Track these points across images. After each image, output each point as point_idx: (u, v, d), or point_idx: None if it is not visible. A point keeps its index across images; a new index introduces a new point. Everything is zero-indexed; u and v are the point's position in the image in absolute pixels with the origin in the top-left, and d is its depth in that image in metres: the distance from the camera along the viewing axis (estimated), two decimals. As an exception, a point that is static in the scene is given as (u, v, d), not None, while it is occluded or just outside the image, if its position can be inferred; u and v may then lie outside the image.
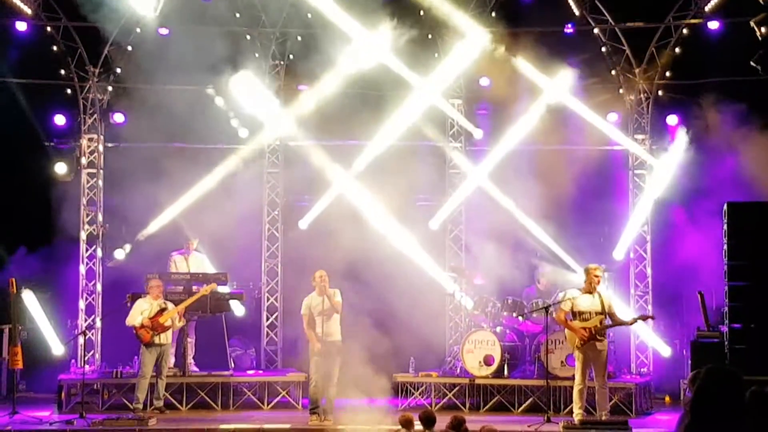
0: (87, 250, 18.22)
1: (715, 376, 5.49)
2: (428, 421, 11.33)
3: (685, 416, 5.52)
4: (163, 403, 15.79)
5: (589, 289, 14.28)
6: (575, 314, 14.26)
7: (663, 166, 17.97)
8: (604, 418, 14.16)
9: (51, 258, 17.68)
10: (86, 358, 17.28)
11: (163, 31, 17.64)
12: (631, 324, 15.05)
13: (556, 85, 17.70)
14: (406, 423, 11.35)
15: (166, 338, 15.72)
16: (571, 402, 14.62)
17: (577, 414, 14.18)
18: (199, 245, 17.54)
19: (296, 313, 15.34)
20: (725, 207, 14.96)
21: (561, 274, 17.51)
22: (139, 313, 15.62)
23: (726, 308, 15.06)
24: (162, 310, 15.64)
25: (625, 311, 17.24)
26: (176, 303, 15.97)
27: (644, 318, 15.31)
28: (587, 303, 14.25)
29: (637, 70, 18.09)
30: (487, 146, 18.69)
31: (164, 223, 17.97)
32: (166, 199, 17.92)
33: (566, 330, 14.48)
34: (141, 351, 15.63)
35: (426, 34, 18.49)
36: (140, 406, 15.41)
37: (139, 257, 17.57)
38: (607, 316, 14.29)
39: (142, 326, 15.51)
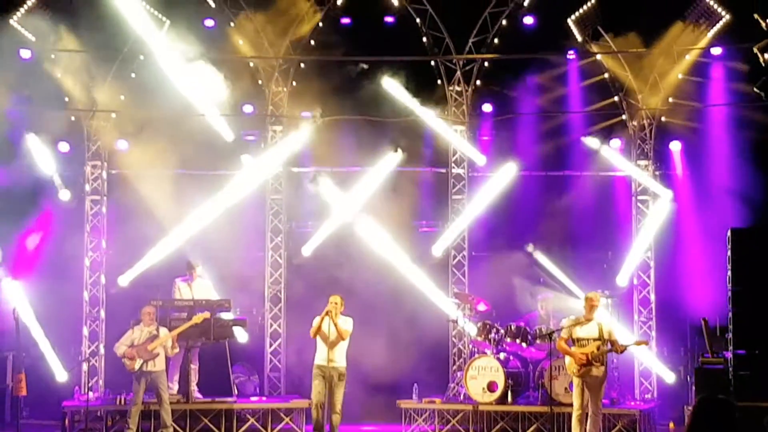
0: (90, 276, 18.23)
1: (707, 406, 5.49)
2: None
3: None
4: (171, 431, 15.69)
5: (588, 317, 14.26)
6: (574, 341, 14.23)
7: (666, 192, 18.01)
8: None
9: (55, 284, 17.66)
10: (90, 384, 17.26)
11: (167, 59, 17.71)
12: (622, 351, 14.84)
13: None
14: None
15: (154, 365, 15.43)
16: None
17: (577, 441, 14.14)
18: (203, 271, 17.52)
19: (299, 340, 15.35)
20: (729, 233, 14.95)
21: (563, 300, 17.50)
22: (129, 341, 15.45)
23: (730, 334, 15.02)
24: (153, 337, 15.56)
25: (626, 337, 17.26)
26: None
27: (638, 343, 15.18)
28: (585, 330, 14.22)
29: (640, 96, 18.13)
30: (491, 172, 18.73)
31: (169, 249, 18.03)
32: (169, 226, 17.97)
33: (566, 357, 14.45)
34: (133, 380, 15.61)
35: (429, 61, 18.58)
36: None
37: (143, 284, 17.57)
38: (608, 344, 14.23)
39: (124, 356, 15.43)
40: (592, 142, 18.29)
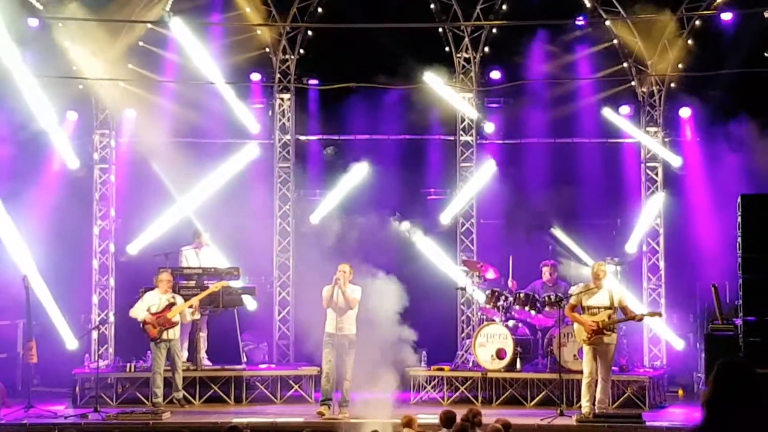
0: (100, 244, 18.26)
1: (727, 370, 5.47)
2: (448, 421, 11.51)
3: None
4: (182, 395, 15.77)
5: (595, 285, 14.29)
6: (584, 309, 14.28)
7: (675, 158, 17.97)
8: (597, 410, 14.10)
9: (64, 253, 17.71)
10: (100, 352, 17.33)
11: (173, 26, 17.66)
12: (639, 320, 14.95)
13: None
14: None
15: (174, 333, 15.60)
16: (587, 395, 14.60)
17: (585, 407, 14.18)
18: (209, 239, 17.53)
19: (307, 307, 15.39)
20: (739, 199, 14.89)
21: (573, 267, 17.51)
22: (146, 307, 15.57)
23: (740, 301, 15.00)
24: (170, 305, 15.60)
25: (636, 305, 17.26)
26: (188, 298, 15.92)
27: (651, 314, 15.25)
28: (596, 298, 14.25)
29: (649, 63, 18.03)
30: (499, 139, 18.72)
31: (177, 217, 18.09)
32: (178, 194, 18.00)
33: (575, 324, 14.49)
34: (151, 347, 15.64)
35: (437, 28, 18.47)
36: (159, 400, 15.37)
37: (152, 252, 17.57)
38: (619, 311, 14.27)
39: (145, 322, 15.47)
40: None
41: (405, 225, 18.44)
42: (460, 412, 11.83)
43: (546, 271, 17.11)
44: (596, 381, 14.17)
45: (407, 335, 16.20)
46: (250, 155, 18.49)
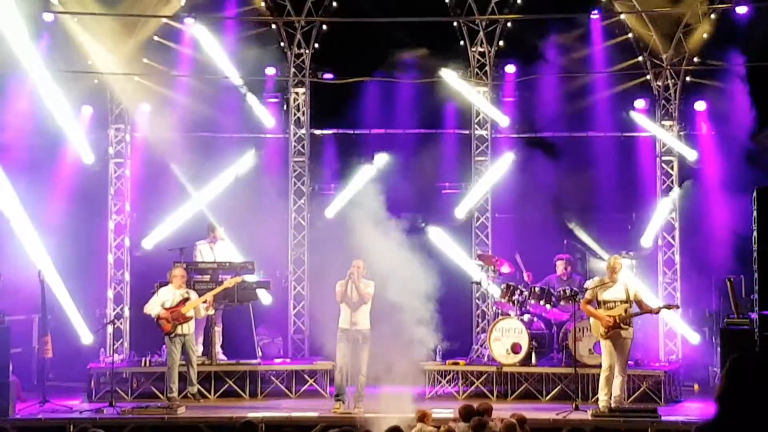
0: (115, 239, 18.30)
1: (740, 365, 5.46)
2: (467, 415, 11.56)
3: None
4: (196, 389, 15.80)
5: (611, 279, 14.25)
6: (600, 303, 14.25)
7: (691, 152, 17.92)
8: (613, 405, 14.06)
9: (79, 248, 17.77)
10: (115, 347, 17.37)
11: (189, 21, 17.72)
12: (656, 312, 14.92)
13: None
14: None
15: (189, 328, 15.61)
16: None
17: (603, 401, 14.14)
18: (223, 233, 17.55)
19: (322, 302, 15.40)
20: (755, 193, 14.82)
21: (588, 261, 17.47)
22: (160, 302, 15.58)
23: (755, 295, 14.93)
24: (185, 300, 15.61)
25: (651, 299, 17.20)
26: (203, 292, 15.96)
27: (668, 307, 15.20)
28: (611, 292, 14.22)
29: (664, 56, 17.96)
30: (514, 133, 18.70)
31: (192, 212, 18.13)
32: (192, 188, 18.03)
33: (591, 319, 14.45)
34: (166, 342, 15.66)
35: (451, 22, 18.45)
36: (174, 395, 15.41)
37: (167, 246, 17.60)
38: (634, 304, 14.24)
39: (159, 317, 15.48)
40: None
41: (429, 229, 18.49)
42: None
43: (560, 265, 17.08)
44: (614, 375, 14.15)
45: (422, 329, 16.26)
46: (254, 158, 18.56)
